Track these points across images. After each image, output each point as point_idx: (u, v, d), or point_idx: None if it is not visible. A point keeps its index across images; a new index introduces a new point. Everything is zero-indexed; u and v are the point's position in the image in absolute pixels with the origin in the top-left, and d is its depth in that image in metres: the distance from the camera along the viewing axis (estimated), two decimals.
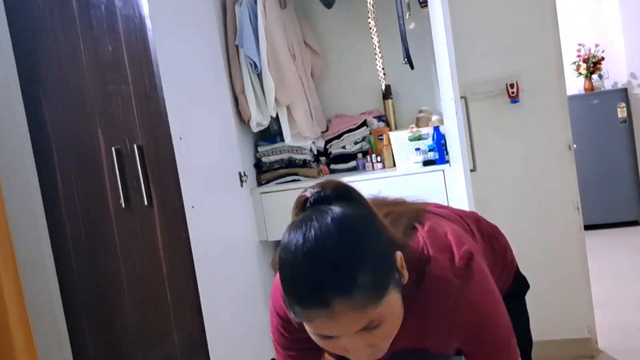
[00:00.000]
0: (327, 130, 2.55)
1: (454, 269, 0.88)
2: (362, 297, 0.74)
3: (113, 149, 1.88)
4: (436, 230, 0.94)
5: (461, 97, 2.31)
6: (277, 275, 0.85)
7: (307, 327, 0.79)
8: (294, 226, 0.80)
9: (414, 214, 0.99)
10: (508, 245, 1.24)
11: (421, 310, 0.88)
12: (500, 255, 1.19)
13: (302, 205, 0.84)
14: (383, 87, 2.33)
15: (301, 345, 0.97)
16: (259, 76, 2.31)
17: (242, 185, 2.29)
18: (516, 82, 2.39)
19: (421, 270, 0.88)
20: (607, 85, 4.89)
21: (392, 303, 0.78)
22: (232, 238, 2.18)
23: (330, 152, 2.52)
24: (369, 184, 2.21)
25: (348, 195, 0.84)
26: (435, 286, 0.87)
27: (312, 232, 0.76)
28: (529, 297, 1.27)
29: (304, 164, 2.43)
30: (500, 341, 0.90)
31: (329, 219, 0.78)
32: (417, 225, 0.96)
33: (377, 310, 0.76)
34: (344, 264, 0.74)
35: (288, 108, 2.36)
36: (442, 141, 2.14)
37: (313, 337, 0.81)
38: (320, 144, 2.52)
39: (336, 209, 0.79)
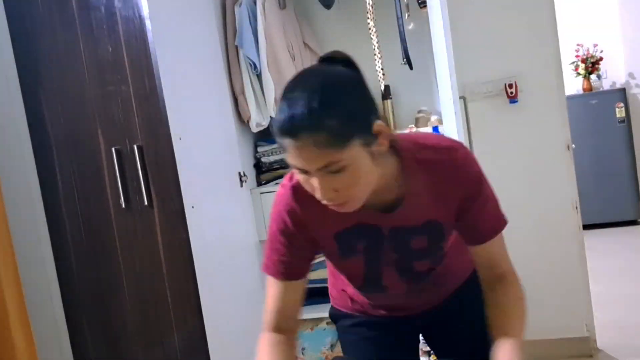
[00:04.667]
0: None
1: (445, 148, 1.01)
2: (324, 137, 0.82)
3: (113, 149, 1.88)
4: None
5: (460, 98, 2.31)
6: (285, 181, 1.02)
7: (287, 158, 0.89)
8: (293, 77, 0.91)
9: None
10: None
11: (425, 184, 0.97)
12: None
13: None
14: (382, 87, 2.33)
15: (295, 251, 1.05)
16: (259, 76, 2.31)
17: (241, 186, 2.30)
18: (515, 82, 2.39)
19: (417, 149, 0.99)
20: (606, 85, 4.90)
21: (356, 157, 0.85)
22: (232, 238, 2.18)
23: None
24: None
25: (353, 65, 0.94)
26: (438, 162, 0.98)
27: (306, 73, 0.92)
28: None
29: None
30: (492, 201, 1.04)
31: (325, 69, 0.92)
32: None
33: (337, 155, 0.83)
34: (318, 102, 0.83)
35: None
36: None
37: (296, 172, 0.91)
38: None
39: (335, 67, 0.92)
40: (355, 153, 0.85)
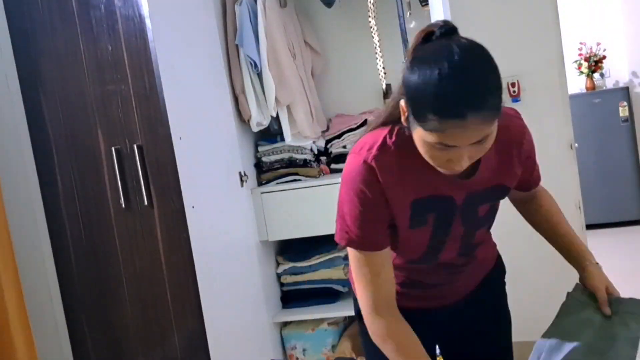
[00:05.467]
0: (327, 129, 2.54)
1: (508, 115, 1.08)
2: (489, 114, 0.87)
3: (113, 149, 1.87)
4: None
5: None
6: (358, 151, 1.02)
7: (429, 137, 0.89)
8: (428, 53, 0.91)
9: None
10: None
11: (494, 149, 1.01)
12: None
13: (425, 38, 0.95)
14: (384, 87, 2.32)
15: (379, 220, 1.05)
16: (259, 76, 2.30)
17: (242, 185, 2.29)
18: (517, 81, 2.38)
19: None
20: (609, 84, 4.88)
21: (495, 126, 0.91)
22: (232, 238, 2.18)
23: (331, 152, 2.51)
24: None
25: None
26: (505, 129, 1.01)
27: (458, 52, 0.88)
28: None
29: (305, 163, 2.43)
30: (534, 161, 1.18)
31: (468, 44, 0.91)
32: None
33: (492, 126, 0.90)
34: (487, 84, 0.88)
35: (288, 107, 2.36)
36: None
37: (424, 146, 0.92)
38: (321, 143, 2.51)
39: (467, 39, 0.92)
40: (496, 123, 0.91)
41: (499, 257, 1.33)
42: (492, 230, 1.27)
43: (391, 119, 1.04)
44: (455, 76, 0.86)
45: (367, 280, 1.06)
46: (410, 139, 0.97)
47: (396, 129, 1.03)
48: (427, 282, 1.21)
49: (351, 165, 1.04)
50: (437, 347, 1.35)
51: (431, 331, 1.22)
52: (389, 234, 1.08)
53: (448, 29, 0.94)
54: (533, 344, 1.20)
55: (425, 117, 0.88)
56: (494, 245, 1.31)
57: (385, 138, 1.03)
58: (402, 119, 0.97)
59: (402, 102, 0.95)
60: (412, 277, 1.20)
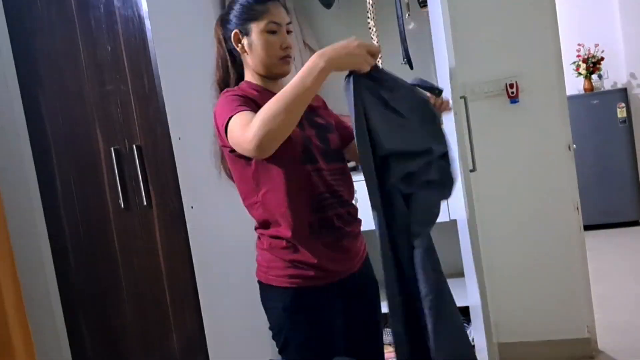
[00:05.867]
0: None
1: None
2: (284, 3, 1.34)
3: (112, 149, 1.87)
4: None
5: (461, 97, 2.30)
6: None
7: (263, 23, 1.32)
8: None
9: None
10: None
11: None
12: None
13: None
14: None
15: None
16: None
17: None
18: (516, 82, 2.39)
19: None
20: (607, 85, 4.89)
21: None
22: (231, 238, 2.18)
23: None
24: None
25: None
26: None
27: None
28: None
29: None
30: None
31: None
32: None
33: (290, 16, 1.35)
34: None
35: None
36: None
37: (265, 37, 1.32)
38: None
39: None
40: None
41: (368, 256, 1.45)
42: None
43: (223, 80, 1.48)
44: None
45: (241, 117, 1.21)
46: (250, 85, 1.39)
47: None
48: (333, 240, 1.31)
49: (220, 100, 1.37)
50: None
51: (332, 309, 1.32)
52: None
53: None
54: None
55: (253, 10, 1.31)
56: (364, 238, 1.44)
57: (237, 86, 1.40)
58: (239, 48, 1.36)
59: (233, 33, 1.35)
60: (316, 201, 1.30)
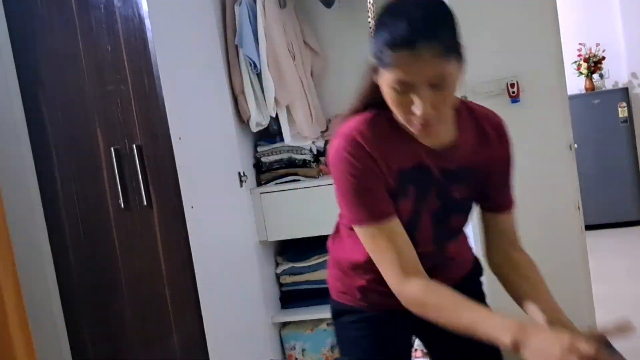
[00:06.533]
0: (327, 130, 2.54)
1: (492, 111, 1.16)
2: (439, 47, 0.90)
3: (112, 149, 1.87)
4: None
5: (461, 97, 2.30)
6: (337, 140, 1.03)
7: (390, 77, 0.94)
8: (390, 5, 0.97)
9: None
10: None
11: (474, 132, 1.10)
12: None
13: None
14: None
15: (376, 187, 1.05)
16: (259, 76, 2.30)
17: (241, 186, 2.29)
18: (517, 81, 2.38)
19: (469, 102, 1.17)
20: (608, 84, 4.88)
21: (454, 74, 0.95)
22: (231, 238, 2.18)
23: None
24: None
25: None
26: (485, 115, 1.13)
27: None
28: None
29: (304, 164, 2.43)
30: (511, 176, 1.17)
31: None
32: None
33: (445, 65, 0.92)
34: (436, 14, 0.94)
35: (288, 108, 2.36)
36: None
37: (389, 92, 0.96)
38: (320, 143, 2.51)
39: None
40: (454, 70, 0.95)
41: (476, 260, 1.34)
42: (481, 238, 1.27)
43: (364, 103, 1.09)
44: (408, 12, 0.92)
45: (385, 250, 1.03)
46: (387, 114, 1.02)
47: (373, 111, 1.07)
48: None
49: (335, 146, 1.05)
50: (415, 339, 1.36)
51: (405, 332, 1.27)
52: (391, 203, 1.06)
53: None
54: None
55: (383, 54, 0.93)
56: (470, 248, 1.33)
57: (364, 117, 1.06)
58: (374, 79, 1.01)
59: (370, 57, 1.01)
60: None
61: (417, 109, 0.94)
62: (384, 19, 0.96)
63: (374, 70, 1.00)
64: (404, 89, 0.94)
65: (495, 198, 1.16)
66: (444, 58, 0.91)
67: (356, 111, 1.09)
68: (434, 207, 1.11)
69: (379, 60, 0.96)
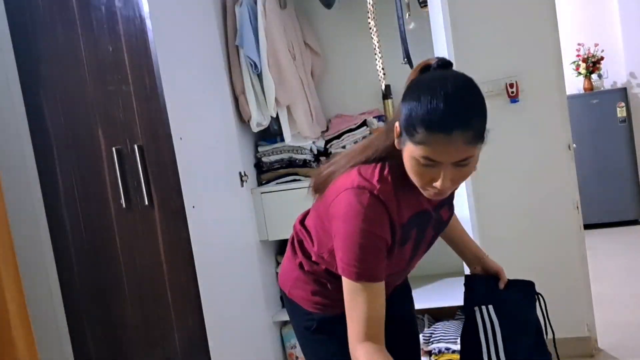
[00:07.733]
0: (327, 130, 2.55)
1: None
2: (473, 135, 0.96)
3: (114, 149, 1.88)
4: None
5: None
6: (356, 195, 1.04)
7: (417, 151, 0.98)
8: (425, 80, 1.01)
9: None
10: None
11: None
12: None
13: (423, 69, 1.05)
14: (383, 87, 2.33)
15: (385, 251, 1.09)
16: (259, 76, 2.31)
17: (242, 185, 2.30)
18: (516, 81, 2.39)
19: None
20: (607, 84, 4.89)
21: (477, 152, 1.00)
22: (232, 238, 2.18)
23: (331, 152, 2.52)
24: None
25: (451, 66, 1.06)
26: None
27: (451, 80, 0.98)
28: None
29: (305, 163, 2.44)
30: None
31: (462, 75, 1.01)
32: None
33: (474, 150, 0.98)
34: (474, 106, 0.98)
35: (288, 108, 2.36)
36: None
37: (411, 162, 1.00)
38: (321, 143, 2.52)
39: (460, 73, 1.02)
40: (478, 151, 1.00)
41: None
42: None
43: (375, 155, 1.11)
44: (447, 96, 0.95)
45: (361, 309, 1.05)
46: (399, 168, 1.06)
47: (387, 163, 1.10)
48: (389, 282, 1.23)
49: (352, 200, 1.05)
50: (424, 342, 1.43)
51: None
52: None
53: (444, 63, 1.04)
54: None
55: (415, 130, 0.96)
56: None
57: (380, 172, 1.08)
58: (396, 142, 1.05)
59: (397, 124, 1.03)
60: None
61: (438, 184, 1.00)
62: (420, 91, 0.98)
63: (398, 136, 1.04)
64: (429, 163, 0.98)
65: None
66: (475, 144, 0.97)
67: (365, 162, 1.11)
68: (429, 237, 1.22)
69: (407, 133, 0.99)
